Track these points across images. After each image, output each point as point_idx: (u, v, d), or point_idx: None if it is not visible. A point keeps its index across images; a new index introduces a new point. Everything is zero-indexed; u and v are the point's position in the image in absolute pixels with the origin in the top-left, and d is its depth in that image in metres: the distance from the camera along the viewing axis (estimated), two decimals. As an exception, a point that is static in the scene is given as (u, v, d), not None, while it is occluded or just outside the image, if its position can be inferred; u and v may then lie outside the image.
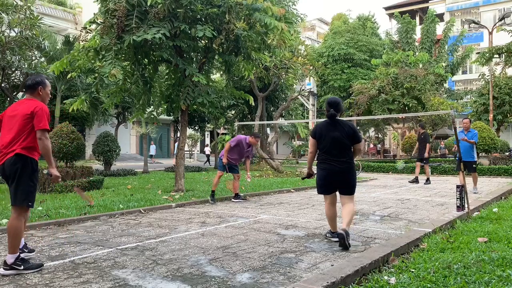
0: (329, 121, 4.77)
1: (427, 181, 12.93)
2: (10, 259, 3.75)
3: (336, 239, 4.69)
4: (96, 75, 12.30)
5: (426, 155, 12.74)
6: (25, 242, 4.29)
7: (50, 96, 4.24)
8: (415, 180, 13.28)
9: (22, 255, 4.16)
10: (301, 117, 32.77)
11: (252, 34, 9.15)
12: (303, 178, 5.54)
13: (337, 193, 4.91)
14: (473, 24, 22.58)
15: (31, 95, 4.03)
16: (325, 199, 4.93)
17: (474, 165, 10.09)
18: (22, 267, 3.75)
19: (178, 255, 4.39)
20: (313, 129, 4.90)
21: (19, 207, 3.85)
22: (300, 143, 32.77)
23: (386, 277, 3.44)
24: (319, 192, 4.95)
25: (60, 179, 4.17)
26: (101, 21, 8.94)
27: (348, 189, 4.77)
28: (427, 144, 12.73)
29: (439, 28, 31.24)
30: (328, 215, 4.93)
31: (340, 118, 4.82)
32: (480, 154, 18.42)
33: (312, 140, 4.84)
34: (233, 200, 8.83)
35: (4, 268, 3.74)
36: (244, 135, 8.68)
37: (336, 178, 4.73)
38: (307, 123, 29.10)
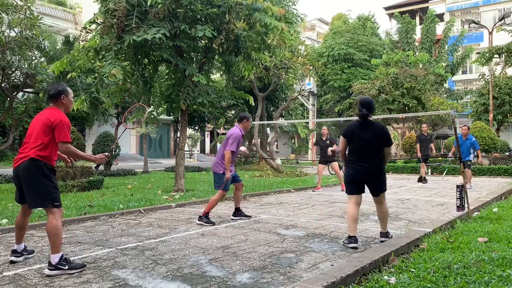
0: (360, 121, 4.78)
1: (424, 180, 13.37)
2: (55, 258, 3.74)
3: (353, 245, 4.63)
4: (96, 75, 12.31)
5: (419, 154, 13.33)
6: (24, 245, 4.28)
7: (73, 102, 4.28)
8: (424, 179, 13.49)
9: (21, 258, 4.16)
10: (301, 117, 32.76)
11: (252, 34, 9.15)
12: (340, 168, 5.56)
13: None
14: (473, 24, 22.59)
15: (55, 104, 4.07)
16: (350, 199, 4.87)
17: (469, 162, 11.06)
18: (67, 267, 3.74)
19: (178, 255, 4.39)
20: (345, 128, 4.93)
21: (47, 209, 3.88)
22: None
23: (386, 277, 3.44)
24: (348, 191, 4.91)
25: (104, 157, 4.25)
26: (101, 21, 8.94)
27: (378, 189, 4.81)
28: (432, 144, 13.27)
29: (439, 28, 31.21)
30: (351, 215, 4.76)
31: (372, 120, 4.84)
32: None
33: (343, 139, 4.88)
34: (232, 218, 6.62)
35: (49, 268, 3.73)
36: (237, 129, 6.38)
37: (364, 178, 4.76)
38: (307, 123, 29.11)
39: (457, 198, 6.84)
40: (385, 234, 4.90)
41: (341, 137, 4.94)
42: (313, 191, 11.07)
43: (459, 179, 12.59)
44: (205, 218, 6.16)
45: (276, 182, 12.62)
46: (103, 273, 3.78)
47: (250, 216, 6.68)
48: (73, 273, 3.75)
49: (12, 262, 4.11)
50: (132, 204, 7.65)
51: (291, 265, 4.02)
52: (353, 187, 4.83)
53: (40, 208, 6.86)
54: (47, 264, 3.80)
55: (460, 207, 6.78)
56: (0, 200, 8.29)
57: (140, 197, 8.68)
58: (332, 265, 3.94)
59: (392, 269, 3.71)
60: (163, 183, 12.28)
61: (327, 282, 3.18)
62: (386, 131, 4.78)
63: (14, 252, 4.17)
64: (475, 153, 11.58)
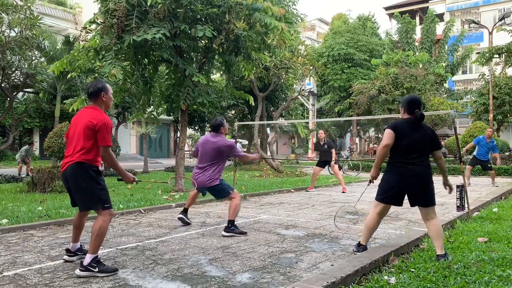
0: (412, 121, 4.14)
1: None
2: (88, 259, 3.69)
3: (358, 253, 4.22)
4: (96, 75, 12.31)
5: None
6: (81, 245, 4.24)
7: (112, 99, 4.21)
8: None
9: (74, 258, 4.13)
10: (301, 117, 32.76)
11: (252, 34, 9.15)
12: (370, 182, 4.66)
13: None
14: (473, 24, 22.58)
15: (95, 102, 3.99)
16: (376, 207, 4.26)
17: (489, 165, 11.84)
18: (96, 269, 3.66)
19: (178, 255, 4.39)
20: (394, 124, 4.18)
21: (99, 210, 3.85)
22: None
23: (386, 277, 3.43)
24: (381, 199, 4.22)
25: (133, 179, 4.17)
26: (101, 21, 8.94)
27: (427, 198, 4.08)
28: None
29: (439, 28, 31.22)
30: (370, 225, 4.29)
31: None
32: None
33: (392, 133, 4.08)
34: (224, 233, 5.42)
35: (80, 268, 3.69)
36: (223, 138, 5.74)
37: (412, 184, 4.07)
38: (307, 123, 29.10)
39: (457, 198, 6.85)
40: (443, 256, 3.94)
41: (388, 130, 4.15)
42: (306, 191, 11.11)
43: (459, 179, 12.59)
44: (235, 228, 5.48)
45: (276, 182, 12.61)
46: (103, 273, 3.77)
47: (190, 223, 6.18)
48: (103, 277, 3.64)
49: (65, 261, 4.09)
50: (132, 204, 7.65)
51: (291, 265, 4.02)
52: (390, 195, 4.15)
53: (39, 208, 6.92)
54: (79, 264, 3.76)
55: (460, 207, 6.78)
56: (0, 200, 8.28)
57: (140, 197, 8.68)
58: (332, 265, 3.94)
59: (392, 269, 3.71)
60: (163, 183, 12.28)
61: (327, 282, 3.18)
62: (435, 132, 4.25)
63: (68, 251, 4.16)
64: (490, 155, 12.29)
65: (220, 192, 5.65)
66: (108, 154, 3.87)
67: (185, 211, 6.16)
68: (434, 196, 4.13)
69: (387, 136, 4.13)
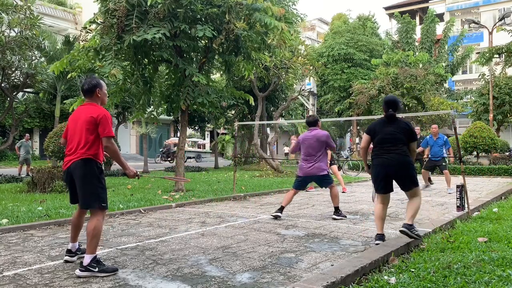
0: (385, 120, 4.69)
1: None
2: (87, 259, 3.69)
3: (376, 242, 4.60)
4: (96, 75, 12.31)
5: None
6: (79, 244, 4.24)
7: (107, 95, 4.23)
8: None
9: (75, 258, 4.13)
10: (301, 117, 32.75)
11: (252, 34, 9.15)
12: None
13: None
14: (473, 24, 22.58)
15: (90, 98, 4.00)
16: (378, 197, 4.80)
17: (444, 163, 10.31)
18: (96, 269, 3.66)
19: (178, 255, 4.39)
20: (369, 126, 4.85)
21: (95, 210, 3.84)
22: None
23: (386, 277, 3.43)
24: (375, 189, 4.79)
25: (135, 174, 4.16)
26: (101, 21, 8.94)
27: (407, 182, 4.62)
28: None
29: (439, 28, 31.20)
30: (378, 215, 4.74)
31: (398, 117, 4.73)
32: (480, 154, 18.44)
33: (366, 136, 4.81)
34: (334, 216, 6.65)
35: (80, 269, 3.69)
36: (320, 130, 6.82)
37: (391, 171, 4.57)
38: (307, 123, 29.00)
39: (457, 198, 6.84)
40: (410, 226, 4.53)
41: (364, 134, 4.87)
42: (306, 191, 11.11)
43: (459, 179, 12.59)
44: (341, 212, 6.72)
45: (276, 182, 12.62)
46: (103, 273, 3.77)
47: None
48: (103, 277, 3.65)
49: (66, 261, 4.08)
50: (132, 204, 7.65)
51: (291, 265, 4.02)
52: (381, 183, 4.67)
53: (39, 208, 6.92)
54: (79, 265, 3.76)
55: (460, 207, 6.78)
56: (0, 200, 8.28)
57: (140, 197, 8.68)
58: (332, 265, 3.94)
59: (392, 269, 3.71)
60: (163, 183, 12.28)
61: (327, 282, 3.18)
62: (410, 126, 4.66)
63: (68, 252, 4.15)
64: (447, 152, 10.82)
65: (327, 181, 6.77)
66: (111, 144, 3.89)
67: (281, 210, 6.74)
68: (415, 179, 4.63)
69: (363, 139, 4.92)
